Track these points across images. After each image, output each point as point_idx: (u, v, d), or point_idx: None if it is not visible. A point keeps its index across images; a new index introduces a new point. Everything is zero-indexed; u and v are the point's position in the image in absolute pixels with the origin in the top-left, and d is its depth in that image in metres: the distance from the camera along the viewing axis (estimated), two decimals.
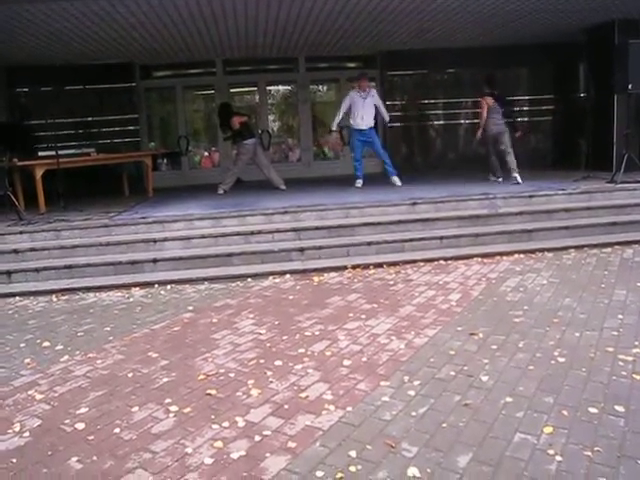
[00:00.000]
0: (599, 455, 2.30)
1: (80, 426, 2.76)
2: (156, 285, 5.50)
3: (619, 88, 7.83)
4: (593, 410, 2.65)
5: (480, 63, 10.82)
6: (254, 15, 7.52)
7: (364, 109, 8.37)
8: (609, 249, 6.03)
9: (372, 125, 8.50)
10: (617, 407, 2.67)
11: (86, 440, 2.62)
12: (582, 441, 2.40)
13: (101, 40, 8.30)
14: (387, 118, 8.77)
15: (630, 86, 7.48)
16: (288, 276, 5.60)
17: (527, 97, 11.54)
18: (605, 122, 9.03)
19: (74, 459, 2.46)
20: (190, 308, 4.71)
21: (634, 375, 3.00)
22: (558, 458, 2.29)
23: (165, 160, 11.47)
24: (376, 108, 8.54)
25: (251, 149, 8.74)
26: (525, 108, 11.57)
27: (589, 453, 2.31)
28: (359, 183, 8.65)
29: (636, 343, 3.45)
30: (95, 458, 2.46)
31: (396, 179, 8.48)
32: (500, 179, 8.61)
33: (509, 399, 2.81)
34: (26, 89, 9.94)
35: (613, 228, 6.51)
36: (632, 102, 8.27)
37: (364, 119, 8.38)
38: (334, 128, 8.98)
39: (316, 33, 8.99)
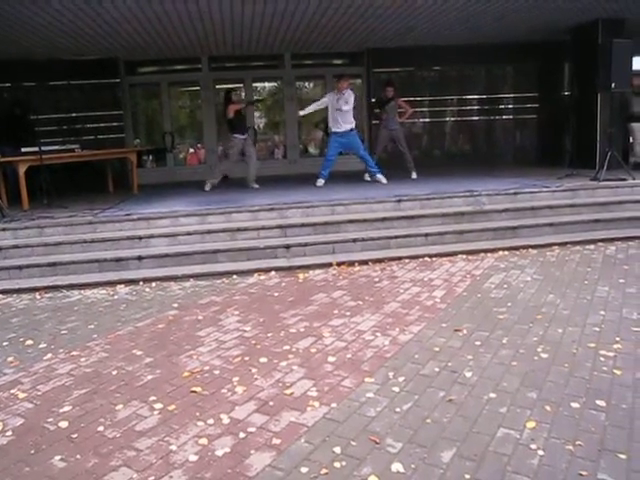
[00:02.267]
0: (580, 449, 2.33)
1: (63, 424, 2.74)
2: (141, 282, 5.47)
3: (602, 87, 7.90)
4: (575, 405, 2.69)
5: (466, 61, 10.91)
6: (240, 11, 7.49)
7: (339, 111, 8.24)
8: (592, 246, 6.09)
9: (350, 128, 8.31)
10: (598, 402, 2.71)
11: (69, 438, 2.61)
12: (564, 435, 2.43)
13: (85, 35, 8.22)
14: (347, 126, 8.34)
15: (613, 85, 7.55)
16: (273, 273, 5.59)
17: (512, 95, 11.63)
18: (589, 120, 9.12)
19: (57, 458, 2.45)
20: (175, 305, 4.69)
21: (615, 370, 3.04)
22: (540, 452, 2.31)
23: (150, 157, 11.41)
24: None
25: (239, 144, 8.59)
26: (510, 106, 11.66)
27: (571, 447, 2.34)
28: (320, 182, 8.49)
29: (617, 339, 3.49)
30: (79, 456, 2.45)
31: (380, 177, 8.47)
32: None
33: (493, 395, 2.83)
34: (9, 84, 9.82)
35: (596, 225, 6.57)
36: (615, 101, 8.36)
37: (339, 122, 8.26)
38: (301, 114, 8.92)
39: (302, 30, 8.98)
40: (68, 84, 10.08)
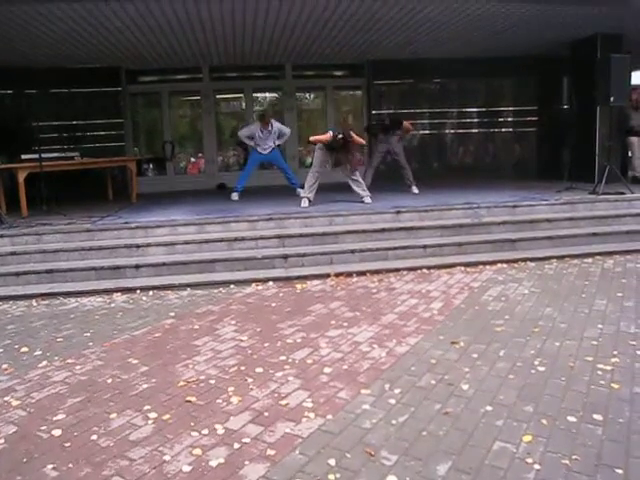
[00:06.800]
0: (577, 463, 2.31)
1: (57, 433, 2.72)
2: (138, 291, 5.46)
3: (601, 101, 7.94)
4: (572, 419, 2.67)
5: (466, 74, 10.96)
6: (241, 22, 7.54)
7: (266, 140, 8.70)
8: (590, 259, 6.09)
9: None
10: (595, 416, 2.69)
11: (62, 447, 2.59)
12: (560, 450, 2.42)
13: (87, 43, 8.26)
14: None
15: (612, 99, 7.58)
16: (271, 283, 5.58)
17: (511, 108, 11.69)
18: (587, 134, 9.15)
19: (49, 466, 2.42)
20: (172, 314, 4.68)
21: (612, 384, 3.03)
22: (536, 467, 2.29)
23: (150, 165, 11.43)
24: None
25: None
26: (509, 119, 11.72)
27: (567, 462, 2.32)
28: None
29: (615, 352, 3.48)
30: (71, 465, 2.43)
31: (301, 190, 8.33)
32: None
33: (489, 408, 2.81)
34: (10, 91, 9.86)
35: (594, 239, 6.58)
36: (614, 115, 8.40)
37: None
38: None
39: (303, 41, 9.04)
40: (69, 92, 10.11)
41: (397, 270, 5.84)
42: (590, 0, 7.08)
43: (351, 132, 7.50)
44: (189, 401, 3.02)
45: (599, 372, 3.21)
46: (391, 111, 11.11)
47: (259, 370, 3.41)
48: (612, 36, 8.70)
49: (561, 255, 6.18)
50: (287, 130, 8.96)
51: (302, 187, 8.05)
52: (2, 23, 6.79)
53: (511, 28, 8.34)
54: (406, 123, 8.83)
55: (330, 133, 7.46)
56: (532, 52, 10.22)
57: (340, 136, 7.33)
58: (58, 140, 9.82)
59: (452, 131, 11.64)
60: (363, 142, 8.02)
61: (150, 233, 6.46)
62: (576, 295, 4.79)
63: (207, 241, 6.26)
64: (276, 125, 8.68)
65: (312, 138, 7.87)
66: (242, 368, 3.46)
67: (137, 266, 5.83)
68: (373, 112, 11.16)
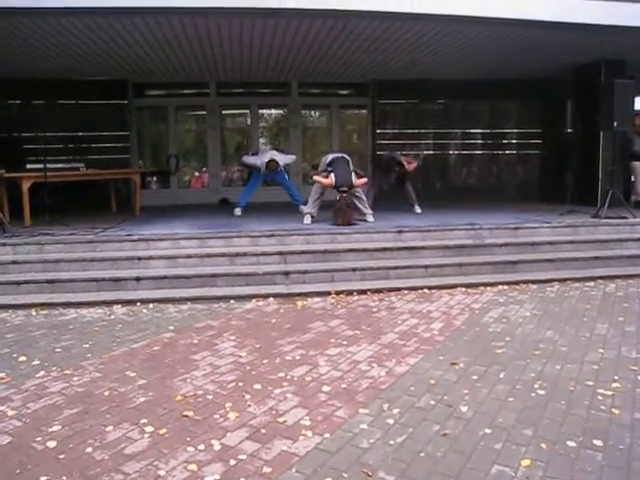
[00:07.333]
0: None
1: (51, 444, 2.69)
2: (138, 303, 5.45)
3: (604, 125, 7.98)
4: (571, 444, 2.65)
5: (470, 95, 11.02)
6: (249, 40, 7.61)
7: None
8: (592, 283, 6.08)
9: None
10: (595, 441, 2.66)
11: (56, 459, 2.56)
12: (560, 475, 2.39)
13: (97, 57, 8.34)
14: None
15: (615, 124, 7.62)
16: (271, 299, 5.57)
17: (515, 130, 11.74)
18: (591, 158, 9.18)
19: (43, 478, 2.40)
20: (171, 328, 4.67)
21: (613, 410, 3.01)
22: None
23: (155, 178, 11.48)
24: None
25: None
26: (513, 141, 11.77)
27: None
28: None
29: (616, 377, 3.46)
30: (65, 478, 2.40)
31: (304, 207, 8.18)
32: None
33: (488, 430, 2.79)
34: (18, 101, 9.94)
35: (596, 262, 6.57)
36: (617, 140, 8.43)
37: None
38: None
39: (309, 60, 9.11)
40: (76, 103, 10.17)
41: (398, 289, 5.83)
42: (592, 26, 7.13)
43: (353, 177, 7.48)
44: (186, 416, 3.00)
45: (600, 397, 3.18)
46: (396, 130, 11.19)
47: (257, 386, 3.39)
48: (616, 62, 8.76)
49: (563, 278, 6.17)
50: (290, 160, 8.96)
51: (305, 204, 8.01)
52: (12, 33, 6.85)
53: (515, 51, 8.40)
54: (411, 168, 8.75)
55: (332, 180, 7.38)
56: (536, 75, 10.29)
57: (344, 191, 7.35)
58: (63, 151, 9.87)
59: (456, 152, 11.69)
60: (365, 180, 7.98)
61: (152, 246, 6.47)
62: (577, 318, 4.77)
63: (209, 255, 6.26)
64: (282, 163, 8.50)
65: (315, 178, 7.84)
66: (240, 384, 3.44)
67: (138, 278, 5.83)
68: (378, 131, 11.23)
